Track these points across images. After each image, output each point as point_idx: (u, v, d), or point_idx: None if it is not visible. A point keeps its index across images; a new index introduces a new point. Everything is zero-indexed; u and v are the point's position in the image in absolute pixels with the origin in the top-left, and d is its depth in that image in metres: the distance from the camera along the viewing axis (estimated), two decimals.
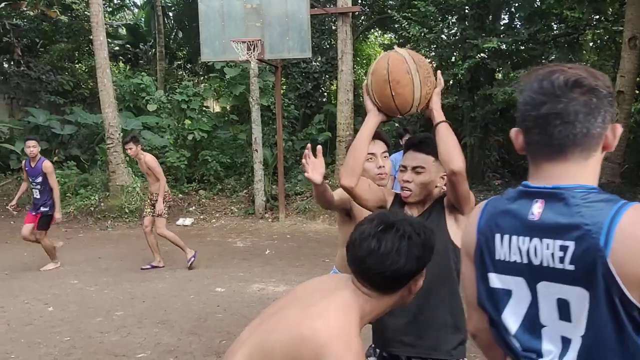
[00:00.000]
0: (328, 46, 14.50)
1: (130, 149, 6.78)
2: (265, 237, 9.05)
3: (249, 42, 8.91)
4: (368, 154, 2.34)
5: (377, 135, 2.42)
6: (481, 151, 12.51)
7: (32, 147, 6.70)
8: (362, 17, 15.36)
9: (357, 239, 1.45)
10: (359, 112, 11.44)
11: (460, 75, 10.55)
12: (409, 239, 1.40)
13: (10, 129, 13.50)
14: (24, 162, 7.01)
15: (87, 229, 9.97)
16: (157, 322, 4.87)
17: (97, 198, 10.75)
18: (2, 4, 15.01)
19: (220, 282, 6.24)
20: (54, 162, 12.82)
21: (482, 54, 10.75)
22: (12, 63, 16.14)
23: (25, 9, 15.61)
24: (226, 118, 14.30)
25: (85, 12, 16.72)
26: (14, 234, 9.57)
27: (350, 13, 10.28)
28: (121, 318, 5.00)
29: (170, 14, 20.07)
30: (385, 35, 17.46)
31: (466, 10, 11.45)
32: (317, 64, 14.55)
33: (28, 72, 15.36)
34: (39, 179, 6.73)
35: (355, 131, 10.72)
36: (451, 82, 11.56)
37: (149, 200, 7.02)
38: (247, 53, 8.90)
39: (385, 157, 2.57)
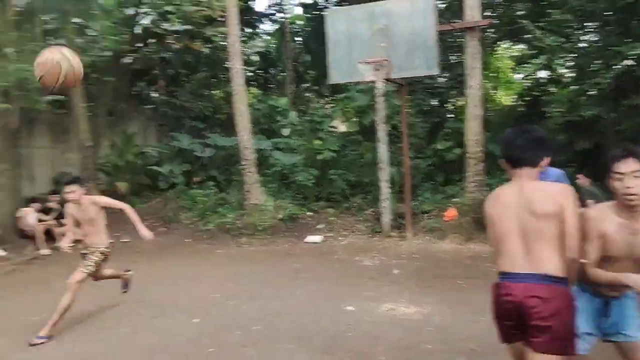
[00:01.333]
0: (454, 61, 14.19)
1: (73, 191, 5.52)
2: (392, 256, 8.99)
3: (376, 62, 9.01)
4: (616, 172, 2.69)
5: (629, 154, 2.67)
6: None
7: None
8: (492, 30, 14.84)
9: (515, 144, 2.70)
10: (488, 128, 11.05)
11: (603, 85, 9.75)
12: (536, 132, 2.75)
13: (159, 152, 14.89)
14: None
15: (225, 245, 10.59)
16: (292, 339, 5.02)
17: (233, 216, 11.42)
18: (153, 40, 16.68)
19: (350, 300, 6.29)
20: (195, 183, 13.97)
21: (627, 61, 9.86)
22: (160, 93, 17.84)
23: (170, 42, 17.20)
24: (352, 137, 14.52)
25: (221, 43, 18.06)
26: (164, 248, 10.49)
27: (479, 27, 10.00)
28: (258, 333, 5.23)
29: (299, 39, 20.95)
30: (516, 47, 16.69)
31: (608, 16, 10.59)
32: (443, 79, 14.30)
33: (174, 101, 16.89)
34: None
35: (485, 147, 10.38)
36: (591, 93, 10.73)
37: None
38: (374, 73, 9.00)
39: (636, 176, 2.64)
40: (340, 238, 10.57)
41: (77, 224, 5.61)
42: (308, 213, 11.56)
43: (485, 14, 12.05)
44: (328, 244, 10.30)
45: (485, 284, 7.09)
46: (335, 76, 10.12)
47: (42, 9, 10.76)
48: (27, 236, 10.24)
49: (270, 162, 13.35)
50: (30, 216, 10.42)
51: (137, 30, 15.36)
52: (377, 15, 9.53)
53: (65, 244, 5.50)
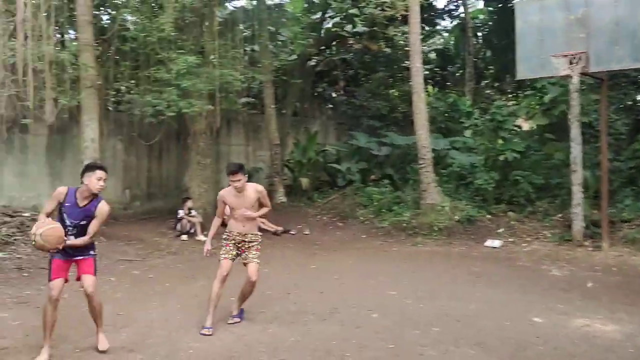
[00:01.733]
0: None
1: (239, 179, 5.35)
2: (585, 267, 8.20)
3: (572, 55, 8.28)
4: None
5: None
6: None
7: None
8: None
9: None
10: None
11: None
12: None
13: (337, 150, 15.50)
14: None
15: (399, 243, 10.62)
16: (473, 344, 4.85)
17: (408, 215, 11.40)
18: (334, 42, 17.42)
19: (537, 311, 5.88)
20: (371, 181, 14.24)
21: None
22: (340, 93, 18.57)
23: (351, 43, 17.79)
24: (537, 136, 13.56)
25: (400, 42, 18.15)
26: (341, 243, 10.89)
27: None
28: (438, 334, 5.15)
29: (480, 34, 20.18)
30: None
31: None
32: None
33: (353, 100, 17.44)
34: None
35: None
36: None
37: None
38: (569, 67, 8.28)
39: None
40: (523, 244, 9.94)
41: (230, 210, 5.55)
42: (487, 216, 11.06)
43: None
44: (509, 249, 9.76)
45: None
46: (523, 71, 9.53)
47: (241, 19, 11.87)
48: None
49: (447, 161, 13.06)
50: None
51: (322, 33, 16.16)
52: (575, 3, 8.74)
53: (207, 248, 5.59)
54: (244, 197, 5.45)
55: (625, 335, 5.08)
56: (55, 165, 11.14)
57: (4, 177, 10.63)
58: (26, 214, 9.67)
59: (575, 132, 9.33)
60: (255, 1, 12.96)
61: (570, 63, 8.37)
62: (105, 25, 12.02)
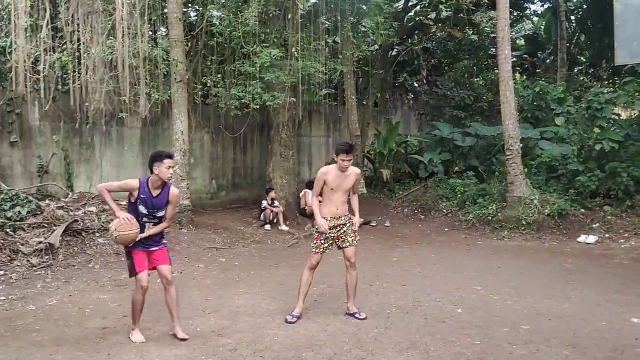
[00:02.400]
0: None
1: (350, 159, 5.30)
2: None
3: None
4: None
5: None
6: None
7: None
8: None
9: None
10: None
11: None
12: None
13: (419, 141, 15.23)
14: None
15: (485, 237, 10.31)
16: (566, 345, 4.61)
17: (494, 208, 11.01)
18: (416, 31, 17.08)
19: (636, 312, 5.49)
20: (455, 172, 13.87)
21: None
22: (422, 83, 18.21)
23: (433, 31, 17.36)
24: (636, 125, 12.61)
25: (486, 28, 17.50)
26: (423, 235, 10.73)
27: None
28: (528, 333, 4.94)
29: (573, 17, 19.03)
30: None
31: None
32: None
33: (435, 90, 17.05)
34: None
35: None
36: None
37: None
38: None
39: None
40: (620, 240, 9.32)
41: (327, 191, 5.41)
42: (581, 210, 10.44)
43: None
44: (604, 245, 9.20)
45: None
46: (623, 56, 8.88)
47: (323, 10, 11.91)
48: (305, 214, 11.54)
49: (535, 152, 12.46)
50: (309, 196, 11.73)
51: (404, 22, 15.88)
52: None
53: (321, 224, 5.33)
54: (345, 178, 5.39)
55: None
56: (148, 156, 11.73)
57: (104, 167, 11.37)
58: (123, 203, 10.26)
59: None
60: None
61: None
62: (193, 22, 12.49)
